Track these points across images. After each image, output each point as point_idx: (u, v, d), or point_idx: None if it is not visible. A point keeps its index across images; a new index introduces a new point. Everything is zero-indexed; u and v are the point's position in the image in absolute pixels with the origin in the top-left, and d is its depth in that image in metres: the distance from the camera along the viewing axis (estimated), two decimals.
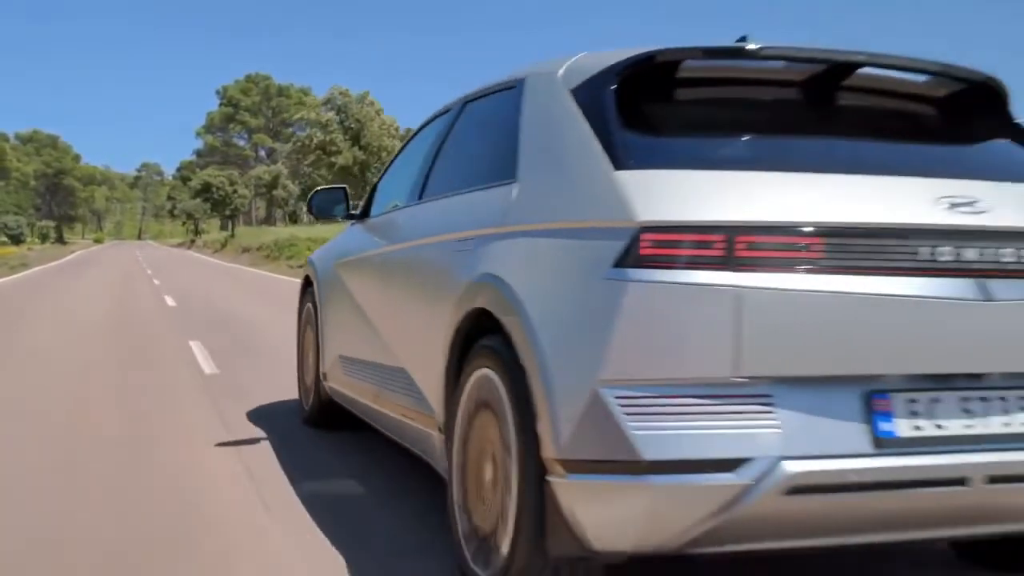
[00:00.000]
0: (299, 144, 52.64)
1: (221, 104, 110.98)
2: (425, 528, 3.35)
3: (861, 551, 3.26)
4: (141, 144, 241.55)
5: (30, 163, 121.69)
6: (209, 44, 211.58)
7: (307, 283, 5.44)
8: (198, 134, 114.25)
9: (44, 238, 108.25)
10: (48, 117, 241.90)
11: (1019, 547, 3.00)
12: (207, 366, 7.55)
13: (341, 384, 4.58)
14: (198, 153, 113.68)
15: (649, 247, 2.23)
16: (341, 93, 50.24)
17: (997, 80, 2.97)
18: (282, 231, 46.43)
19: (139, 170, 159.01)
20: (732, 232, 2.22)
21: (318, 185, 45.28)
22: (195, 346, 8.73)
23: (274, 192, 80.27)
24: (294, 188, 76.01)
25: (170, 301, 15.22)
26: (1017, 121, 2.97)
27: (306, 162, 52.35)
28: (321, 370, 4.95)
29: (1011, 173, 2.63)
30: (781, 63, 2.81)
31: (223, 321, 11.66)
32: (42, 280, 24.57)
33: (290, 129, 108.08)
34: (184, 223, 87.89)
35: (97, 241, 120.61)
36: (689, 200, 2.28)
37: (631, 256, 2.24)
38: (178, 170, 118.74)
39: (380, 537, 3.30)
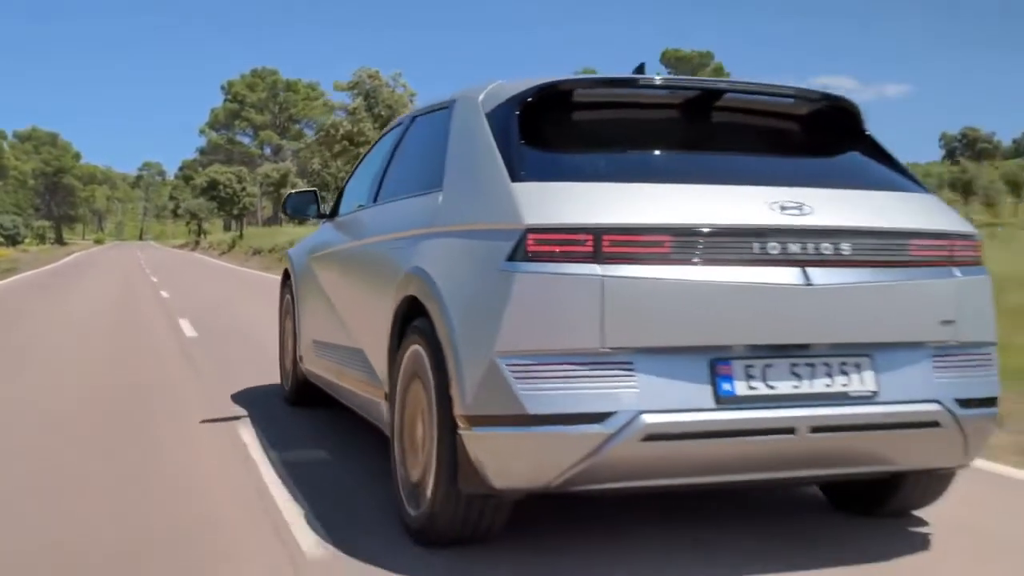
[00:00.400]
0: (323, 134, 45.34)
1: (226, 100, 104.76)
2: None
3: (738, 495, 3.84)
4: (142, 143, 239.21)
5: (29, 161, 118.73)
6: (211, 42, 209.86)
7: (286, 276, 6.01)
8: (202, 131, 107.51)
9: (42, 239, 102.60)
10: (48, 116, 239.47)
11: (878, 492, 3.55)
12: (298, 533, 3.44)
13: (314, 365, 5.15)
14: (201, 151, 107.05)
15: (533, 245, 2.79)
16: (370, 76, 42.88)
17: (849, 100, 3.53)
18: (296, 231, 42.20)
19: (141, 169, 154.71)
20: (599, 232, 2.77)
21: (327, 183, 43.75)
22: (250, 440, 4.92)
23: (282, 191, 76.23)
24: (304, 187, 69.83)
25: (187, 328, 10.78)
26: (869, 134, 3.53)
27: (331, 153, 44.72)
28: (298, 353, 5.53)
29: (844, 180, 3.20)
30: (661, 91, 3.37)
31: (268, 363, 7.04)
32: (30, 289, 20.78)
33: (297, 126, 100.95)
34: (188, 223, 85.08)
35: (97, 242, 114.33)
36: (566, 207, 2.83)
37: (519, 252, 2.79)
38: (180, 169, 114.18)
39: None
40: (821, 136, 3.49)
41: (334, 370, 4.66)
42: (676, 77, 3.73)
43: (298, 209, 5.44)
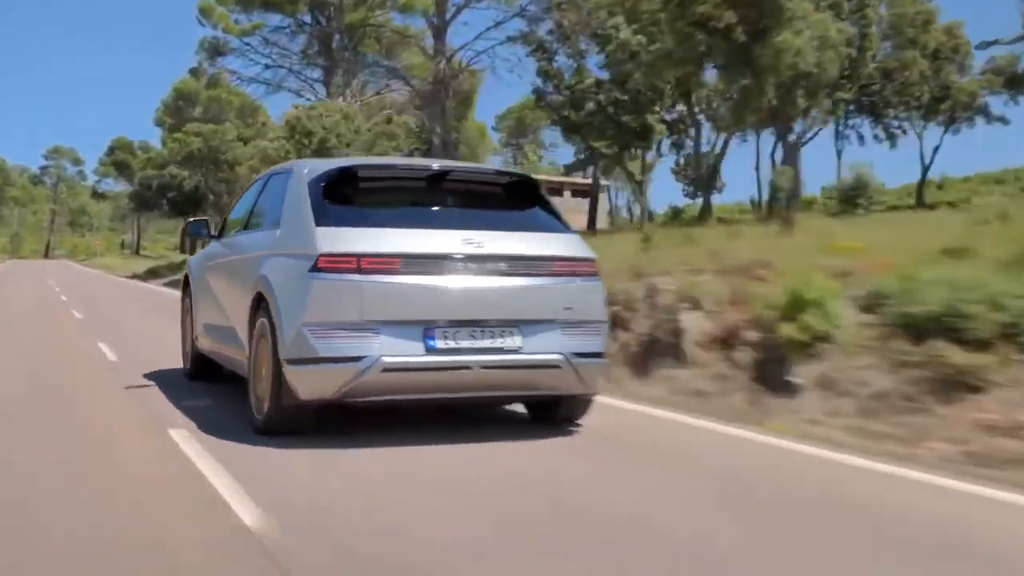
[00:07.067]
0: None
1: None
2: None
3: (472, 416, 6.12)
4: (46, 138, 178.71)
5: None
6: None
7: (186, 280, 8.14)
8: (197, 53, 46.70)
9: None
10: None
11: (550, 409, 5.85)
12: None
13: (205, 342, 7.31)
14: (178, 92, 57.23)
15: (324, 263, 5.03)
16: None
17: (529, 176, 5.89)
18: None
19: (47, 157, 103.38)
20: (359, 256, 5.03)
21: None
22: None
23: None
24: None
25: None
26: (543, 196, 5.88)
27: None
28: (193, 335, 7.67)
29: (513, 226, 5.54)
30: (408, 169, 5.67)
31: None
32: None
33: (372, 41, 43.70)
34: (176, 225, 56.35)
35: None
36: (343, 242, 5.09)
37: (316, 266, 5.03)
38: (108, 153, 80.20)
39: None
40: (508, 199, 5.83)
41: (217, 342, 6.83)
42: (419, 160, 5.69)
43: (196, 232, 7.63)
